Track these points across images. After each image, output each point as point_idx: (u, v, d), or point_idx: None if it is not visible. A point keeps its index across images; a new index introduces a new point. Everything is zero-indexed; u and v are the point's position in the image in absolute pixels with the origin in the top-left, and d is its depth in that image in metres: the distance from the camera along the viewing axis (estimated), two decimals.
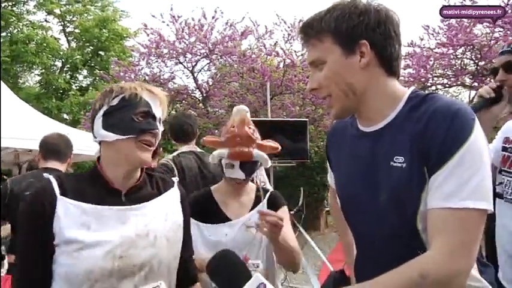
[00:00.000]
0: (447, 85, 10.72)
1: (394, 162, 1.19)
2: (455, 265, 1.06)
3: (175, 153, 3.18)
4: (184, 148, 3.24)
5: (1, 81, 7.05)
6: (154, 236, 1.39)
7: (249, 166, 2.00)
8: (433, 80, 10.57)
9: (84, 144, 7.21)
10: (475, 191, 1.08)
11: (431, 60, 9.93)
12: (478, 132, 1.12)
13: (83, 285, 1.28)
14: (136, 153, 1.37)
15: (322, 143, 11.54)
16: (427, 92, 1.27)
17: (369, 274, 1.12)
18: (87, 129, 10.89)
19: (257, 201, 2.10)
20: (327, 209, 12.56)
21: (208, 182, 2.66)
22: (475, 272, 1.20)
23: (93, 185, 1.39)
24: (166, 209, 1.48)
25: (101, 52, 20.49)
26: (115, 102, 1.38)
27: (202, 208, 2.05)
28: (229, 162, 1.99)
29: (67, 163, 3.17)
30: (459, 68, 10.06)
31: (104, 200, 1.36)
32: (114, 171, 1.41)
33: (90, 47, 20.70)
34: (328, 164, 1.61)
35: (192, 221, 1.94)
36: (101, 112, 1.39)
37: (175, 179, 1.62)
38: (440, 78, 10.59)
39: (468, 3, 7.61)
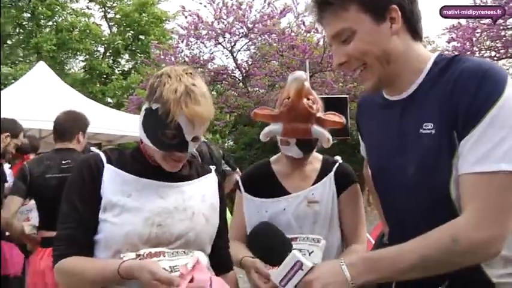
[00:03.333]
0: (496, 58, 10.27)
1: (423, 129, 1.14)
2: (488, 231, 1.01)
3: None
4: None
5: None
6: (192, 212, 1.41)
7: (307, 143, 1.75)
8: (479, 53, 10.15)
9: (128, 126, 7.37)
10: (508, 153, 1.01)
11: (477, 32, 9.52)
12: (511, 90, 1.04)
13: (119, 249, 1.30)
14: (162, 163, 1.40)
15: None
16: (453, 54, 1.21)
17: None
18: (131, 112, 11.13)
19: (323, 172, 1.86)
20: None
21: None
22: None
23: (135, 161, 1.43)
24: (204, 191, 1.49)
25: (141, 36, 20.69)
26: (154, 106, 1.34)
27: (258, 181, 1.88)
28: (283, 139, 1.75)
29: (77, 140, 3.02)
30: (509, 39, 9.59)
31: (145, 175, 1.39)
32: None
33: (131, 32, 20.93)
34: (359, 135, 1.56)
35: (247, 196, 1.86)
36: (146, 104, 1.39)
37: (213, 167, 1.62)
38: (488, 51, 10.16)
39: None
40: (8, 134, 3.24)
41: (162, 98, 1.30)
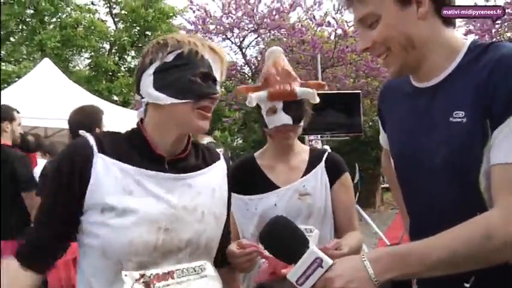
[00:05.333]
0: None
1: (454, 117, 1.12)
2: None
3: (205, 143, 3.67)
4: (208, 139, 4.00)
5: None
6: (202, 212, 1.24)
7: (294, 107, 1.69)
8: None
9: (135, 123, 7.23)
10: None
11: (498, 24, 9.18)
12: None
13: (120, 259, 1.13)
14: (193, 121, 1.20)
15: (376, 117, 11.12)
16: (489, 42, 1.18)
17: None
18: (137, 110, 10.97)
19: (312, 163, 1.80)
20: (383, 185, 12.22)
21: None
22: None
23: (132, 147, 1.23)
24: (213, 184, 1.32)
25: (147, 32, 20.55)
26: (170, 58, 1.19)
27: (243, 177, 1.75)
28: (270, 106, 1.68)
29: None
30: None
31: (145, 165, 1.20)
32: (161, 136, 1.24)
33: (137, 28, 20.76)
34: (380, 123, 1.51)
35: (233, 195, 1.71)
36: (152, 68, 1.21)
37: (221, 151, 1.50)
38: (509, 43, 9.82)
39: None
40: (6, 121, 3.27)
41: (180, 43, 1.20)
